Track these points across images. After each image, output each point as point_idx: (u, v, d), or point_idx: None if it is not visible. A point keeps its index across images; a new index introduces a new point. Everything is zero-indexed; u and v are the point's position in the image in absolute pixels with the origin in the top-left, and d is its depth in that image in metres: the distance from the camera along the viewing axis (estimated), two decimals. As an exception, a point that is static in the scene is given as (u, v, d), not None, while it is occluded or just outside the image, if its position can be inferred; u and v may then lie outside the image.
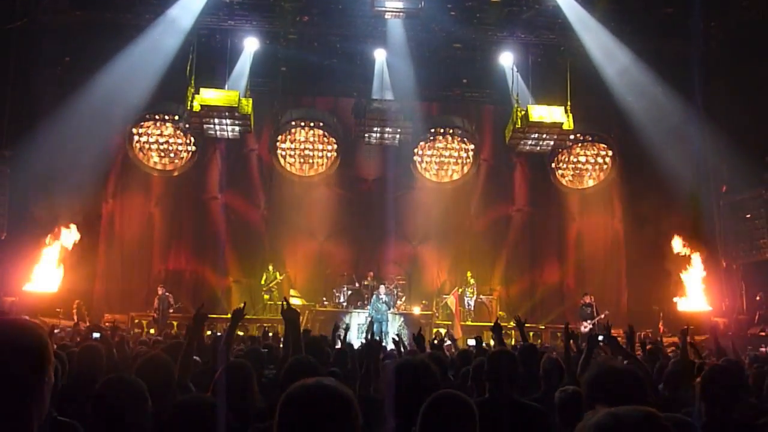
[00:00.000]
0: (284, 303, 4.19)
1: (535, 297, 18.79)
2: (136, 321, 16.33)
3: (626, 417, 1.46)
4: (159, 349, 5.01)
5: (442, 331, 15.83)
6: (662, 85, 17.12)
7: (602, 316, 15.43)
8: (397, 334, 7.11)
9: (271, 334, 14.24)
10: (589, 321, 15.40)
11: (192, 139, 18.65)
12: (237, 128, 16.78)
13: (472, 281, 17.53)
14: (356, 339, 13.58)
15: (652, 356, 7.18)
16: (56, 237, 15.29)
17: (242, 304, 5.04)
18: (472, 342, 9.57)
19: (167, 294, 16.01)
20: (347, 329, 7.38)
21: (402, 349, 7.05)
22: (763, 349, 11.83)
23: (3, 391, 1.46)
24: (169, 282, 17.03)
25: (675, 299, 16.50)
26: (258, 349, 6.09)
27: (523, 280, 18.99)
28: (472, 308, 17.41)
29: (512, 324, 17.64)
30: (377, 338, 13.94)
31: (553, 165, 19.34)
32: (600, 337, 6.21)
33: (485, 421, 2.47)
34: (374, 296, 15.96)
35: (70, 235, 15.39)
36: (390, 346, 13.99)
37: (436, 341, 9.13)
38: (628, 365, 3.32)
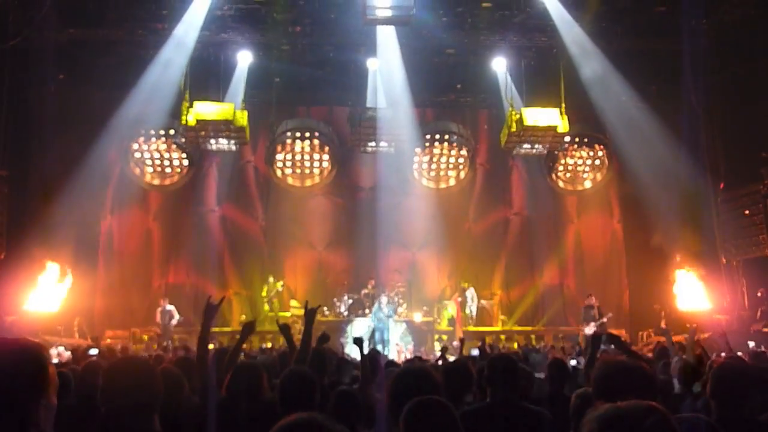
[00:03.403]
0: (306, 304, 4.77)
1: (536, 299, 18.83)
2: (138, 336, 16.35)
3: (628, 410, 1.47)
4: (168, 363, 5.14)
5: (438, 346, 15.83)
6: (656, 84, 17.23)
7: (606, 318, 15.45)
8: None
9: (270, 345, 14.31)
10: (593, 323, 15.40)
11: (188, 153, 18.64)
12: (233, 141, 16.79)
13: (472, 286, 17.56)
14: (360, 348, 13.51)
15: (661, 354, 7.21)
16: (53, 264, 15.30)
17: (252, 319, 5.40)
18: (475, 352, 9.59)
19: (169, 308, 15.95)
20: (372, 337, 7.39)
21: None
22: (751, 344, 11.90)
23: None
24: (169, 296, 17.01)
25: (675, 297, 16.56)
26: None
27: (523, 282, 19.02)
28: (474, 314, 17.43)
29: (514, 327, 17.76)
30: (378, 346, 13.97)
31: (550, 167, 19.36)
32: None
33: (485, 426, 2.47)
34: (376, 305, 15.99)
35: (62, 277, 15.42)
36: (392, 354, 14.03)
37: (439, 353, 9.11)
38: (634, 360, 3.32)
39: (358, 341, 5.09)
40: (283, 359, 5.77)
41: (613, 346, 5.72)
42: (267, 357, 7.67)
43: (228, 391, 3.68)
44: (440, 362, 7.13)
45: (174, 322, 15.85)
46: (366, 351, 5.32)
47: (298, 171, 19.23)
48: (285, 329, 5.03)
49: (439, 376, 2.96)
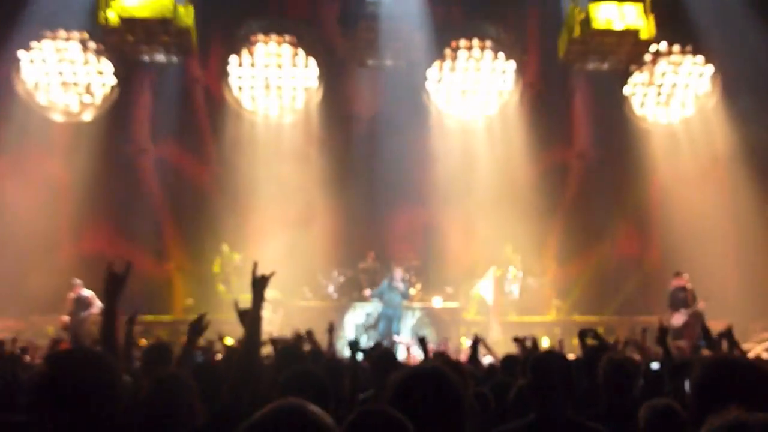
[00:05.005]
0: (254, 267, 4.26)
1: (604, 278, 18.93)
2: (39, 328, 16.39)
3: (757, 424, 1.54)
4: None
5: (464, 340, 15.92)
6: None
7: (701, 305, 15.45)
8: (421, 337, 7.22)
9: (231, 343, 14.38)
10: (684, 310, 15.51)
11: (109, 68, 18.51)
12: (174, 50, 16.64)
13: (515, 258, 17.53)
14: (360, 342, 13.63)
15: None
16: None
17: (199, 316, 5.31)
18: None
19: (87, 293, 15.66)
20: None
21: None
22: None
23: None
24: (84, 271, 16.89)
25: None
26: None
27: (587, 255, 19.21)
28: (517, 296, 17.43)
29: (573, 315, 17.76)
30: (385, 341, 14.02)
31: (629, 90, 19.24)
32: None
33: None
34: (385, 282, 16.28)
35: None
36: (402, 353, 14.10)
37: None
38: (748, 359, 3.38)
39: (352, 346, 5.18)
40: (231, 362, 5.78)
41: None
42: (206, 360, 7.79)
43: (145, 413, 3.71)
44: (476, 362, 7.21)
45: (92, 312, 15.70)
46: (365, 349, 5.33)
47: (268, 93, 19.20)
48: (244, 314, 4.82)
49: (462, 383, 2.92)
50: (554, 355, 4.15)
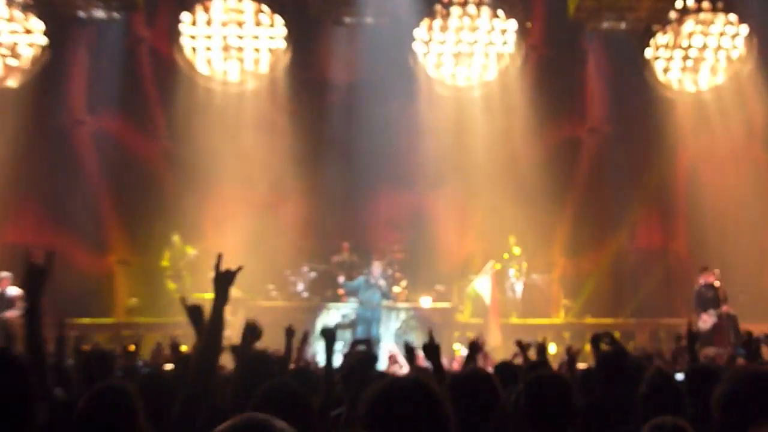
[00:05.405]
0: (218, 260, 4.28)
1: (621, 274, 18.75)
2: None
3: None
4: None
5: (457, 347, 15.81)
6: None
7: (724, 309, 15.42)
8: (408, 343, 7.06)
9: (184, 349, 14.19)
10: (713, 311, 15.43)
11: (39, 25, 18.23)
12: (115, 4, 16.45)
13: (517, 251, 17.43)
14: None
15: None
16: None
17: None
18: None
19: (12, 292, 15.54)
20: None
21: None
22: None
23: None
24: (10, 265, 16.71)
25: None
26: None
27: (601, 247, 19.21)
28: (520, 295, 17.29)
29: (585, 318, 17.71)
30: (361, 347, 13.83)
31: (650, 53, 19.11)
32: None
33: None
34: (362, 279, 16.11)
35: None
36: (384, 363, 13.98)
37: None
38: None
39: (327, 333, 5.32)
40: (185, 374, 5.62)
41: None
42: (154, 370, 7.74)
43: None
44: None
45: (13, 314, 15.54)
46: (341, 352, 5.26)
47: (227, 56, 19.04)
48: (194, 313, 4.77)
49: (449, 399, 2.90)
50: (553, 381, 4.14)
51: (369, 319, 15.61)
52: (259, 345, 7.84)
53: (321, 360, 11.63)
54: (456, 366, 11.79)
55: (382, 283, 15.85)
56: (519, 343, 8.52)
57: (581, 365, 9.58)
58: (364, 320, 15.62)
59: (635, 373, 5.54)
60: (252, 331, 5.37)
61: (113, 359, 5.89)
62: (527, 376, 4.33)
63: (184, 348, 13.09)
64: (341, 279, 16.75)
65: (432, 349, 5.91)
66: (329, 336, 5.66)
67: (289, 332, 7.18)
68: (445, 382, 5.51)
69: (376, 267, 16.07)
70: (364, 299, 15.81)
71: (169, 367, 9.18)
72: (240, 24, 18.86)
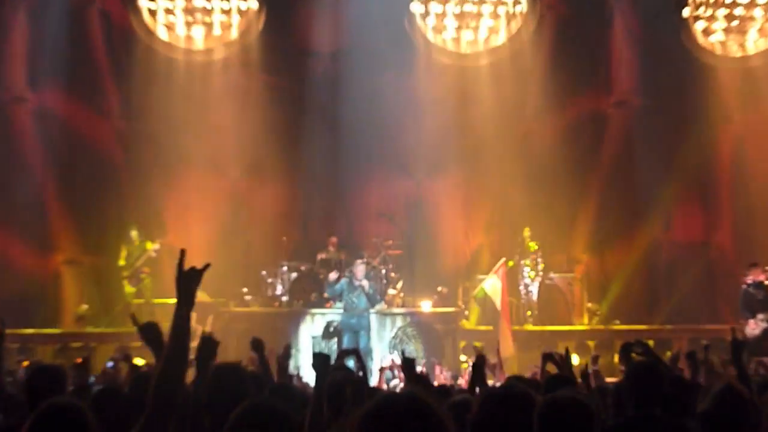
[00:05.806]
0: (181, 256, 4.10)
1: (655, 272, 18.67)
2: None
3: None
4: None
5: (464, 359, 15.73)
6: None
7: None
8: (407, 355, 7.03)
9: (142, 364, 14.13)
10: (762, 315, 15.55)
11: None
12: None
13: (533, 246, 17.35)
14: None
15: None
16: None
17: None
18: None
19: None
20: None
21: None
22: None
23: None
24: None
25: None
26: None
27: (631, 241, 19.21)
28: (535, 296, 17.22)
29: (613, 324, 17.67)
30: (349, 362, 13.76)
31: (688, 12, 19.19)
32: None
33: None
34: (345, 281, 16.02)
35: None
36: (376, 376, 13.94)
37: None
38: None
39: (319, 363, 5.42)
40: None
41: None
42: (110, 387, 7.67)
43: None
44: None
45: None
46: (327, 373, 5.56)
47: (191, 21, 19.34)
48: (149, 332, 4.97)
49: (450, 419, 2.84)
50: (572, 405, 4.10)
51: (354, 326, 15.66)
52: (234, 359, 7.82)
53: (304, 374, 11.58)
54: (462, 383, 11.66)
55: (365, 283, 15.61)
56: (549, 356, 8.30)
57: (609, 379, 9.50)
58: (349, 328, 15.63)
59: (673, 389, 5.49)
60: (207, 346, 5.23)
61: (64, 376, 5.78)
62: (543, 396, 4.25)
63: (138, 362, 13.10)
64: (333, 276, 16.49)
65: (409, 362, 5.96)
66: (321, 365, 5.66)
67: (257, 345, 7.08)
68: (450, 399, 5.42)
69: (359, 268, 15.82)
70: (349, 303, 15.79)
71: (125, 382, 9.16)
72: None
